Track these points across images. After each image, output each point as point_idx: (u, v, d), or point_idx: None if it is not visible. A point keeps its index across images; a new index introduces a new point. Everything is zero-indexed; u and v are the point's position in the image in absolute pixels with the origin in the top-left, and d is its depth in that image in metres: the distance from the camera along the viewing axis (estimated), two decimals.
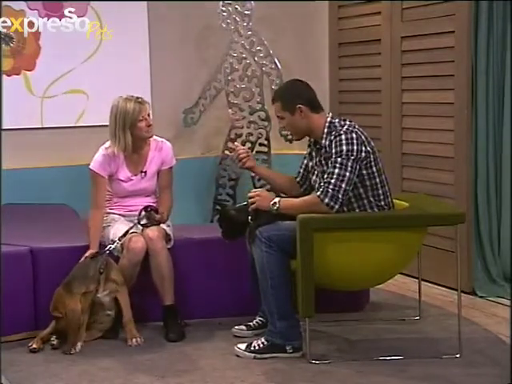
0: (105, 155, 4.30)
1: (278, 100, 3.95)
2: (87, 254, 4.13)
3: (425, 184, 5.18)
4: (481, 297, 4.85)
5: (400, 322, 4.40)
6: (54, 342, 4.04)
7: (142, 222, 4.22)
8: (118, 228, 4.25)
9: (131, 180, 4.35)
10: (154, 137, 4.40)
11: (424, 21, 5.14)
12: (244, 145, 5.98)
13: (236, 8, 5.87)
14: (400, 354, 3.87)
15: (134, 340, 4.07)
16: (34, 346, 4.00)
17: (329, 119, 3.89)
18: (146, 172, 4.37)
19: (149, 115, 4.30)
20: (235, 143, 4.33)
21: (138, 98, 4.29)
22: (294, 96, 3.90)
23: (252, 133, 6.01)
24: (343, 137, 3.76)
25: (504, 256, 4.96)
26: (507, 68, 4.86)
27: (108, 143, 4.32)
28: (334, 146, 3.76)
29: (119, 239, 4.14)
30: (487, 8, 4.84)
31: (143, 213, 4.22)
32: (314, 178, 3.98)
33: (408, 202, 4.08)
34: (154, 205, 4.33)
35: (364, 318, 4.46)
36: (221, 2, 5.87)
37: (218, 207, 5.89)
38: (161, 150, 4.39)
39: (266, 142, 6.04)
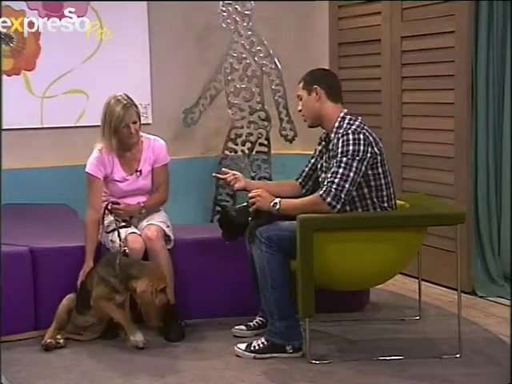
0: (98, 157, 4.29)
1: (302, 79, 4.00)
2: (84, 273, 4.12)
3: (425, 184, 5.18)
4: (481, 297, 4.85)
5: (400, 321, 4.40)
6: (61, 341, 4.03)
7: (120, 225, 4.23)
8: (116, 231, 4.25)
9: (127, 180, 4.35)
10: (147, 135, 4.39)
11: (424, 21, 5.14)
12: (244, 145, 6.00)
13: (236, 8, 5.87)
14: (400, 354, 3.87)
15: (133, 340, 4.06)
16: (49, 340, 4.00)
17: (342, 114, 3.90)
18: (140, 171, 4.36)
19: (134, 122, 4.23)
20: (223, 170, 4.35)
21: (127, 103, 4.23)
22: (316, 78, 3.95)
23: (252, 133, 6.01)
24: (350, 137, 3.76)
25: (504, 256, 4.96)
26: (507, 68, 4.86)
27: (99, 145, 4.31)
28: (340, 145, 3.76)
29: (121, 242, 4.14)
30: (487, 8, 4.84)
31: (110, 216, 4.24)
32: (323, 175, 3.97)
33: (408, 202, 4.08)
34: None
35: (364, 318, 4.46)
36: (221, 2, 5.87)
37: (218, 208, 5.89)
38: (154, 149, 4.38)
39: (266, 142, 6.04)
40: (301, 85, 3.99)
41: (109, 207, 4.26)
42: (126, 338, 4.03)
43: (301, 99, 3.97)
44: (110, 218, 4.30)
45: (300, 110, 4.03)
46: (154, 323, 3.96)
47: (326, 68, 4.12)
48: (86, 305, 4.06)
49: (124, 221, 4.28)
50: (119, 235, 4.17)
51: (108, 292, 4.00)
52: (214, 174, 4.36)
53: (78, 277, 4.16)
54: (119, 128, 4.21)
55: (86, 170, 4.30)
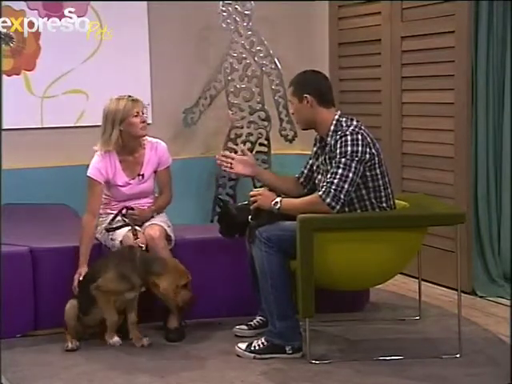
0: (100, 161, 4.28)
1: (291, 85, 3.97)
2: (79, 276, 4.10)
3: (425, 184, 5.17)
4: (481, 297, 4.85)
5: (400, 321, 4.40)
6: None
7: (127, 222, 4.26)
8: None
9: (129, 184, 4.34)
10: (149, 138, 4.39)
11: (424, 21, 5.14)
12: (244, 145, 6.00)
13: (236, 8, 5.87)
14: (400, 354, 3.87)
15: (144, 340, 4.07)
16: (71, 346, 4.03)
17: (336, 117, 3.88)
18: (143, 175, 4.35)
19: (143, 113, 4.29)
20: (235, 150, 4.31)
21: (130, 96, 4.28)
22: (305, 84, 3.90)
23: (252, 133, 6.01)
24: (349, 137, 3.75)
25: (504, 256, 4.96)
26: (507, 68, 4.86)
27: (99, 147, 4.29)
28: (339, 146, 3.75)
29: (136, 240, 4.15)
30: (487, 8, 4.84)
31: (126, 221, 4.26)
32: (319, 177, 3.97)
33: (408, 202, 4.08)
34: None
35: (364, 318, 4.46)
36: (221, 2, 5.87)
37: (220, 203, 5.87)
38: (156, 151, 4.38)
39: (265, 142, 6.04)
40: (291, 90, 3.95)
41: (123, 212, 4.25)
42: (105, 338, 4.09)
43: (292, 104, 3.96)
44: (110, 218, 4.31)
45: (293, 113, 4.04)
46: (177, 319, 4.09)
47: (316, 70, 4.05)
48: (91, 303, 4.06)
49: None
50: (135, 233, 4.15)
51: (123, 288, 4.00)
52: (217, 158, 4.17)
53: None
54: (128, 119, 4.20)
55: (88, 173, 4.29)
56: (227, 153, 4.24)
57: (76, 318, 4.07)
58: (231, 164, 4.09)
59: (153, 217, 4.35)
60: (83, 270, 4.13)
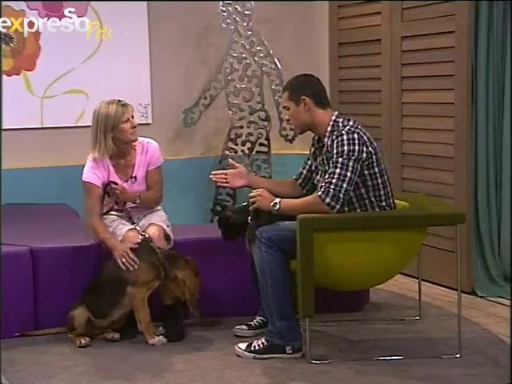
0: (94, 165, 4.26)
1: (286, 90, 3.97)
2: (130, 246, 4.11)
3: (425, 184, 5.18)
4: (481, 297, 4.85)
5: (400, 321, 4.40)
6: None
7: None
8: (117, 227, 4.25)
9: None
10: (141, 138, 4.37)
11: (424, 21, 5.14)
12: (244, 145, 6.00)
13: (236, 8, 5.87)
14: (400, 354, 3.87)
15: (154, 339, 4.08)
16: (84, 342, 4.04)
17: (333, 117, 3.88)
18: (135, 177, 4.33)
19: (132, 117, 4.26)
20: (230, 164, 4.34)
21: (120, 100, 4.25)
22: (301, 87, 3.91)
23: (252, 133, 6.01)
24: (345, 137, 3.76)
25: (504, 256, 4.96)
26: (507, 68, 4.86)
27: (92, 154, 4.27)
28: (335, 146, 3.76)
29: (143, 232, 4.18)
30: (487, 8, 4.84)
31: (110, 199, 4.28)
32: (317, 177, 3.97)
33: (408, 202, 4.08)
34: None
35: (364, 318, 4.46)
36: (221, 2, 5.87)
37: (218, 207, 5.88)
38: (147, 152, 4.35)
39: (265, 142, 6.04)
40: (286, 95, 3.95)
41: (107, 188, 4.24)
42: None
43: (288, 109, 3.95)
44: (110, 218, 4.31)
45: (288, 120, 4.03)
46: (195, 312, 4.14)
47: (308, 73, 4.06)
48: (112, 304, 4.07)
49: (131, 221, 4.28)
50: (131, 219, 4.20)
51: (153, 277, 4.05)
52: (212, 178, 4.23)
53: (77, 277, 4.17)
54: (119, 125, 4.19)
55: (84, 179, 4.26)
56: (219, 171, 4.25)
57: (86, 322, 4.07)
58: (226, 179, 4.12)
59: (138, 208, 4.33)
60: (124, 246, 4.09)
